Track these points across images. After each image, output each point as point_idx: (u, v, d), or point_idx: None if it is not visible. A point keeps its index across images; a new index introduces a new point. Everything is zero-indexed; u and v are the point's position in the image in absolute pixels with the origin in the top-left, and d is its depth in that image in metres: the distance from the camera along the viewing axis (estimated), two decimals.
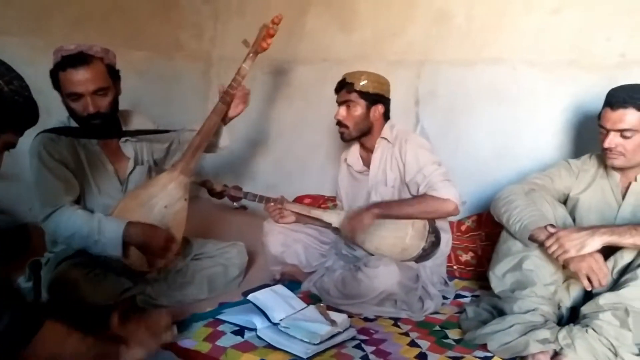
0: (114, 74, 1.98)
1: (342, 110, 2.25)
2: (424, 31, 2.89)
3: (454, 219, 2.39)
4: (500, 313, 1.87)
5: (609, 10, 2.34)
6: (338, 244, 2.41)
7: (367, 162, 2.38)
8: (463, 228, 2.63)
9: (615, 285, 1.68)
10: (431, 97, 2.90)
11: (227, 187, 2.50)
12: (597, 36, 2.38)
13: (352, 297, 2.09)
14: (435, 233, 2.20)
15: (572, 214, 1.98)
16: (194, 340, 1.83)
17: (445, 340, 1.90)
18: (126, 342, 1.43)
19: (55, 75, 1.91)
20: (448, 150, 2.71)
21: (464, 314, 2.04)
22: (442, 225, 2.28)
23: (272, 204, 2.43)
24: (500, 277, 1.91)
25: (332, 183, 3.00)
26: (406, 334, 1.94)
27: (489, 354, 1.77)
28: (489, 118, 2.71)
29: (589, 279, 1.69)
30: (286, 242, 2.40)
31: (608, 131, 1.81)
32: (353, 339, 1.87)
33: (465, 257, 2.57)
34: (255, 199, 2.46)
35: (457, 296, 2.31)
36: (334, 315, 1.95)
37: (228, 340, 1.82)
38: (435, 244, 2.20)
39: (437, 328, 2.01)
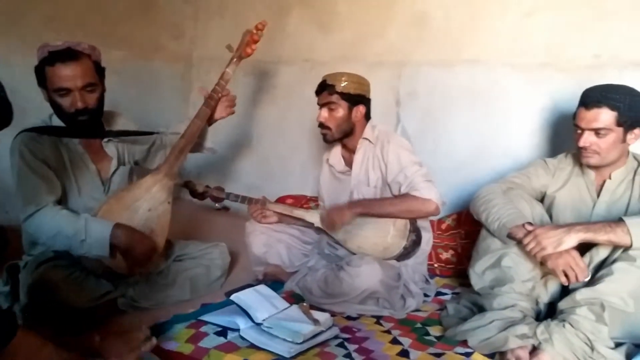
0: (100, 71, 1.99)
1: (324, 112, 2.26)
2: (403, 33, 2.92)
3: (434, 217, 2.42)
4: (480, 309, 1.90)
5: (582, 13, 2.40)
6: (320, 243, 2.42)
7: (349, 163, 2.40)
8: (443, 226, 2.66)
9: (591, 280, 1.72)
10: (411, 98, 2.93)
11: (209, 188, 2.50)
12: (571, 38, 2.43)
13: (335, 296, 2.10)
14: (416, 232, 2.23)
15: (549, 211, 2.03)
16: (177, 341, 1.82)
17: (426, 337, 1.93)
18: (103, 356, 1.41)
19: (41, 70, 1.90)
20: (428, 150, 2.75)
21: (445, 311, 2.07)
22: (423, 224, 2.31)
23: (254, 204, 2.43)
24: (479, 274, 1.94)
25: (314, 183, 3.01)
26: (388, 332, 1.96)
27: (469, 350, 1.79)
28: (468, 118, 2.75)
29: (566, 275, 1.72)
30: (269, 242, 2.41)
31: (583, 130, 1.86)
32: (336, 337, 1.88)
33: (445, 255, 2.60)
34: (237, 199, 2.45)
35: (438, 294, 2.34)
36: (316, 314, 1.96)
37: (211, 341, 1.82)
38: (416, 242, 2.23)
39: (419, 325, 2.03)
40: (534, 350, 1.68)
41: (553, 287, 1.87)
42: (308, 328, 1.84)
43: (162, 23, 3.64)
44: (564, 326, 1.66)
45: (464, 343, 1.82)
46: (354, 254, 2.23)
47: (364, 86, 2.30)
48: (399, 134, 2.84)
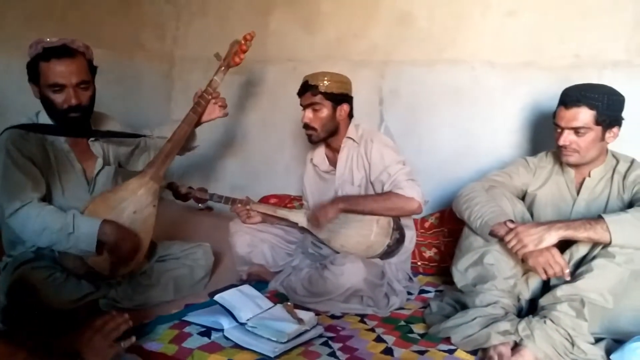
0: (93, 70, 1.99)
1: (309, 113, 2.26)
2: (386, 32, 2.93)
3: (417, 216, 2.44)
4: (463, 307, 1.92)
5: (563, 13, 2.42)
6: (304, 243, 2.42)
7: (333, 162, 2.40)
8: (426, 225, 2.67)
9: (571, 277, 1.74)
10: (394, 97, 2.94)
11: (192, 189, 2.49)
12: (551, 38, 2.46)
13: (319, 295, 2.11)
14: (399, 230, 2.24)
15: (530, 209, 2.05)
16: (160, 342, 1.81)
17: (410, 335, 1.94)
18: (79, 355, 1.37)
19: (34, 66, 1.89)
20: (411, 149, 2.76)
21: (428, 308, 2.09)
22: (406, 222, 2.32)
23: (238, 204, 2.43)
24: (462, 272, 1.95)
25: (298, 183, 3.01)
26: (372, 330, 1.97)
27: (452, 347, 1.81)
28: (450, 117, 2.76)
29: (546, 272, 1.74)
30: (253, 242, 2.40)
31: (563, 129, 1.88)
32: (320, 336, 1.88)
33: (429, 253, 2.62)
34: (221, 200, 2.45)
35: (422, 291, 2.35)
36: (301, 313, 1.96)
37: (195, 341, 1.81)
38: (399, 240, 2.24)
39: (402, 323, 2.04)
40: (516, 346, 1.70)
41: (534, 283, 1.89)
42: (292, 327, 1.84)
43: (144, 22, 3.61)
44: (545, 322, 1.69)
45: (447, 340, 1.84)
46: (338, 252, 2.23)
47: (346, 84, 2.31)
48: (383, 132, 2.85)
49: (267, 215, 2.45)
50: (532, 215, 2.04)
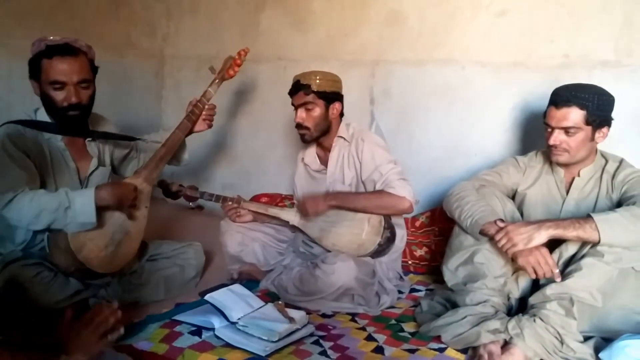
0: (94, 70, 2.02)
1: (302, 112, 2.26)
2: (377, 32, 2.93)
3: (408, 215, 2.44)
4: (454, 305, 1.93)
5: (552, 13, 2.44)
6: (296, 241, 2.42)
7: (324, 161, 2.40)
8: (417, 224, 2.68)
9: (561, 276, 1.75)
10: (385, 96, 2.94)
11: (183, 187, 2.47)
12: (541, 38, 2.48)
13: (310, 294, 2.11)
14: (390, 229, 2.24)
15: (520, 208, 2.06)
16: (150, 341, 1.81)
17: (400, 334, 1.94)
18: (66, 349, 1.34)
19: (37, 63, 1.90)
20: (401, 148, 2.77)
21: (419, 307, 2.09)
22: (397, 221, 2.33)
23: (229, 203, 2.42)
24: (453, 270, 1.96)
25: (288, 181, 3.01)
26: (363, 329, 1.97)
27: (443, 345, 1.82)
28: (441, 117, 2.77)
29: (536, 272, 1.75)
30: (244, 241, 2.40)
31: (553, 129, 1.90)
32: (311, 335, 1.89)
33: (419, 252, 2.63)
34: (211, 198, 2.44)
35: (412, 290, 2.36)
36: (292, 312, 1.96)
37: (185, 340, 1.81)
38: (390, 239, 2.25)
39: (393, 322, 2.05)
40: (506, 344, 1.71)
41: (524, 282, 1.91)
42: (283, 326, 1.84)
43: (134, 20, 3.60)
44: (534, 321, 1.70)
45: (438, 339, 1.85)
46: (329, 251, 2.23)
47: (337, 83, 2.31)
48: (374, 132, 2.86)
49: (258, 213, 2.45)
50: (522, 214, 2.05)
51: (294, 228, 2.39)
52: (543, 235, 1.73)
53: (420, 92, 2.82)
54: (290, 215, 2.36)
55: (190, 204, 2.68)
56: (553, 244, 1.79)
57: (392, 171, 2.17)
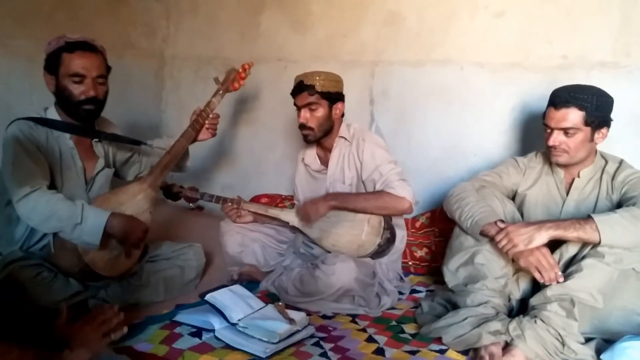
0: (108, 69, 2.08)
1: (305, 113, 2.26)
2: (376, 32, 2.94)
3: (408, 215, 2.44)
4: (454, 307, 1.93)
5: (550, 14, 2.44)
6: (296, 242, 2.42)
7: (324, 161, 2.40)
8: (417, 225, 2.68)
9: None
10: (385, 97, 2.94)
11: (183, 188, 2.47)
12: (539, 39, 2.48)
13: (310, 295, 2.11)
14: (390, 229, 2.24)
15: (520, 209, 2.07)
16: (150, 343, 1.80)
17: (401, 335, 1.94)
18: (70, 345, 1.36)
19: (56, 57, 1.96)
20: (401, 149, 2.77)
21: (420, 308, 2.09)
22: (397, 221, 2.33)
23: (229, 204, 2.42)
24: (453, 271, 1.96)
25: (288, 182, 3.01)
26: (364, 330, 1.97)
27: (443, 347, 1.82)
28: (440, 117, 2.78)
29: (539, 272, 1.75)
30: (244, 242, 2.40)
31: (552, 130, 1.90)
32: (312, 336, 1.88)
33: (419, 253, 2.63)
34: (211, 199, 2.44)
35: (413, 291, 2.36)
36: (292, 313, 1.96)
37: (185, 342, 1.81)
38: (390, 240, 2.25)
39: (394, 323, 2.04)
40: (507, 346, 1.71)
41: (525, 283, 1.91)
42: (283, 327, 1.83)
43: (133, 21, 3.60)
44: (535, 322, 1.70)
45: (439, 340, 1.85)
46: (329, 252, 2.23)
47: (340, 83, 2.31)
48: (373, 132, 2.86)
49: (259, 214, 2.45)
50: (522, 215, 2.05)
51: (294, 229, 2.39)
52: (544, 235, 1.73)
53: (419, 93, 2.83)
54: (290, 216, 2.36)
55: (190, 204, 2.68)
56: (553, 245, 1.79)
57: (392, 172, 2.18)
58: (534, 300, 1.77)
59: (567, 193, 1.99)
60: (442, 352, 1.80)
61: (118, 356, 1.62)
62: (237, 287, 2.09)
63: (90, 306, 1.99)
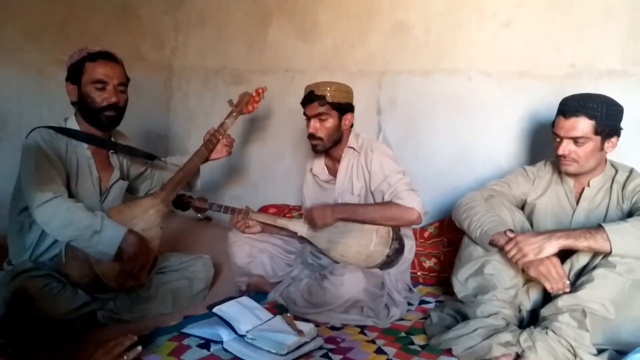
0: (127, 79, 2.14)
1: (315, 123, 2.26)
2: (383, 42, 2.94)
3: (416, 226, 2.43)
4: (464, 317, 1.91)
5: (557, 23, 2.44)
6: (304, 253, 2.42)
7: (332, 172, 2.40)
8: (426, 235, 2.67)
9: (572, 287, 1.73)
10: (392, 106, 2.95)
11: (192, 198, 2.48)
12: (547, 47, 2.47)
13: (319, 306, 2.10)
14: (399, 240, 2.23)
15: (529, 219, 2.05)
16: (159, 355, 1.80)
17: (411, 347, 1.93)
18: None
19: (79, 67, 2.03)
20: (408, 158, 2.76)
21: (429, 319, 2.08)
22: (406, 232, 2.32)
23: (237, 214, 2.42)
24: (462, 282, 1.95)
25: (296, 192, 3.01)
26: (373, 342, 1.96)
27: (453, 359, 1.80)
28: (448, 126, 2.77)
29: (549, 282, 1.73)
30: (252, 252, 2.39)
31: (562, 139, 1.88)
32: (320, 348, 1.88)
33: (428, 263, 2.61)
34: (220, 209, 2.44)
35: (422, 302, 2.34)
36: (300, 324, 1.95)
37: (194, 354, 1.80)
38: (399, 250, 2.24)
39: (403, 334, 2.03)
40: (518, 357, 1.70)
41: (535, 294, 1.89)
42: (292, 339, 1.83)
43: (142, 34, 3.64)
44: (546, 333, 1.68)
45: (449, 352, 1.83)
46: (337, 262, 2.22)
47: (350, 94, 2.32)
48: (381, 141, 2.85)
49: (267, 224, 2.45)
50: (531, 224, 2.04)
51: (302, 239, 2.38)
52: (554, 245, 1.72)
53: (426, 102, 2.82)
54: (298, 227, 2.36)
55: (199, 215, 2.69)
56: (564, 255, 1.77)
57: (400, 182, 2.17)
58: (545, 311, 1.76)
59: (577, 202, 1.98)
60: None
61: None
62: (245, 299, 2.09)
63: (99, 318, 1.99)
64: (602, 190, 1.94)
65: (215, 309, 1.96)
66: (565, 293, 1.72)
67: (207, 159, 2.40)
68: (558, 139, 1.90)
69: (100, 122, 2.07)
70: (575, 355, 1.64)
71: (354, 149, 2.32)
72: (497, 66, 2.61)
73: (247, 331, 1.88)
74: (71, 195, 2.01)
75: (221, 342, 1.85)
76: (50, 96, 3.01)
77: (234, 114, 2.44)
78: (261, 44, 3.40)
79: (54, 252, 2.01)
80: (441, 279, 2.52)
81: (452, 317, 2.00)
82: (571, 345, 1.65)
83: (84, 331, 1.91)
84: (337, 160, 2.36)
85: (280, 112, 3.30)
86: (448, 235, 2.57)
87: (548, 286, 1.74)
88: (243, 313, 1.97)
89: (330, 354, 1.84)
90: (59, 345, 1.55)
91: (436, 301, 2.35)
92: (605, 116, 1.83)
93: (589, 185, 1.95)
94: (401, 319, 2.16)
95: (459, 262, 2.00)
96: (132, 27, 3.55)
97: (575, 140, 1.85)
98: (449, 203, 2.45)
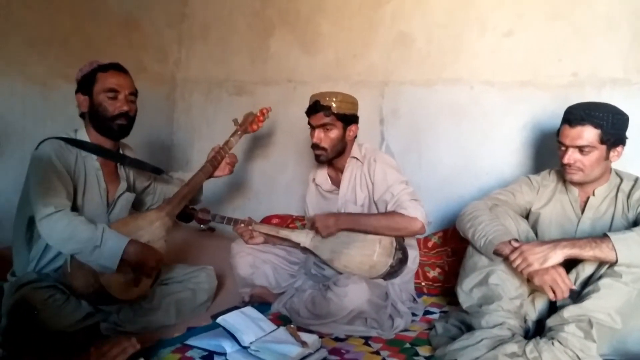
0: (136, 91, 2.19)
1: (319, 133, 2.26)
2: (385, 53, 2.96)
3: (420, 235, 2.42)
4: (469, 328, 1.89)
5: (559, 32, 2.45)
6: (307, 263, 2.41)
7: (335, 182, 2.40)
8: (430, 244, 2.66)
9: (578, 297, 1.72)
10: (395, 117, 2.95)
11: (194, 210, 2.48)
12: (549, 57, 2.48)
13: (323, 317, 2.08)
14: (402, 250, 2.22)
15: (534, 228, 2.04)
16: None
17: (415, 358, 1.91)
18: None
19: (91, 77, 2.07)
20: (411, 168, 2.76)
21: (434, 330, 2.06)
22: (410, 242, 2.31)
23: (240, 225, 2.42)
24: (467, 292, 1.94)
25: (299, 202, 3.00)
26: (377, 353, 1.94)
27: None
28: (451, 136, 2.77)
29: (553, 291, 1.72)
30: (255, 263, 2.38)
31: (567, 147, 1.88)
32: (324, 359, 1.86)
33: (432, 273, 2.60)
34: (223, 221, 2.44)
35: (426, 312, 2.33)
36: (304, 336, 1.94)
37: None
38: (402, 260, 2.22)
39: (408, 345, 2.01)
40: None
41: (541, 304, 1.87)
42: (296, 350, 1.81)
43: (145, 46, 3.66)
44: (552, 344, 1.66)
45: None
46: (341, 273, 2.21)
47: (355, 105, 2.32)
48: (384, 152, 2.85)
49: (270, 235, 2.44)
50: (536, 234, 2.03)
51: (306, 250, 2.38)
52: (559, 254, 1.71)
53: (429, 112, 2.83)
54: (301, 237, 2.35)
55: (202, 226, 2.68)
56: (569, 265, 1.76)
57: (403, 192, 2.16)
58: (550, 322, 1.74)
59: (582, 211, 1.97)
60: None
61: None
62: (249, 309, 2.08)
63: (102, 330, 1.98)
64: (607, 199, 1.93)
65: (219, 319, 1.95)
66: (571, 303, 1.70)
67: (210, 176, 2.42)
68: (563, 148, 1.90)
69: (112, 131, 2.10)
70: None
71: (357, 159, 2.32)
72: (499, 76, 2.62)
73: (251, 343, 1.86)
74: (78, 206, 2.01)
75: (225, 354, 1.83)
76: (54, 108, 3.02)
77: (239, 132, 2.49)
78: (264, 55, 3.42)
79: (58, 264, 2.00)
80: (445, 289, 2.51)
81: (457, 327, 1.99)
82: (577, 356, 1.63)
83: (86, 343, 1.90)
84: (340, 170, 2.36)
85: (282, 123, 3.31)
86: (452, 245, 2.56)
87: (551, 295, 1.73)
88: (247, 324, 1.96)
89: None
90: (61, 357, 1.54)
91: (441, 311, 2.34)
92: (611, 125, 1.82)
93: (594, 194, 1.94)
94: (405, 330, 2.14)
95: (464, 272, 1.99)
96: (135, 40, 3.57)
97: (581, 149, 1.85)
98: (453, 212, 2.44)
